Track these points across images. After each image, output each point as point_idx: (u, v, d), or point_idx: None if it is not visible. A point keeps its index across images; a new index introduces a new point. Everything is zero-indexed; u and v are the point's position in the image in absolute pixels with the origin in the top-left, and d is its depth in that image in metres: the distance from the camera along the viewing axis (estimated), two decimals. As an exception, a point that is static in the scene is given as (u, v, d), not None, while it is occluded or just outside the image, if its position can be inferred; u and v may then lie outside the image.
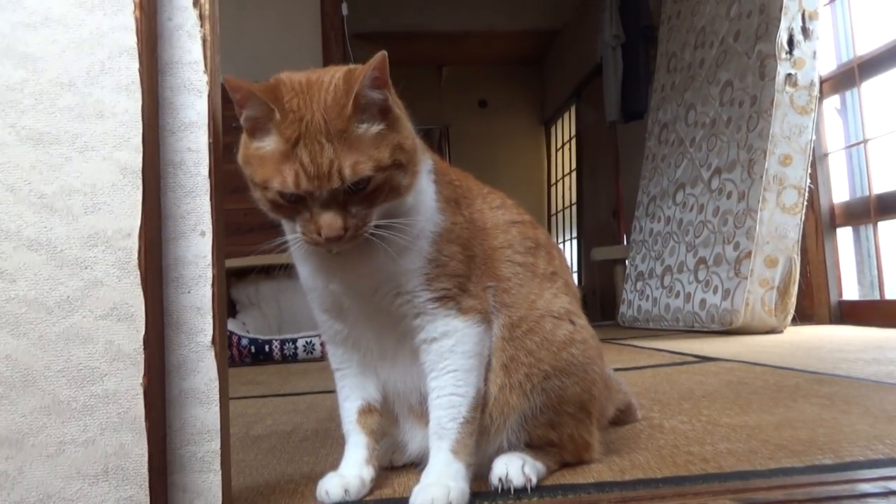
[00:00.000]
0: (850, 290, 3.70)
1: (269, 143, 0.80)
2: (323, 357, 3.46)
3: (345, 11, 4.26)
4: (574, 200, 7.34)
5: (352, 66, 0.86)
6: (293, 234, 0.85)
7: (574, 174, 7.28)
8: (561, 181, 7.93)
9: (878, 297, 3.48)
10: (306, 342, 3.46)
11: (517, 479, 0.91)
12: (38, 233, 0.70)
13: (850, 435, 1.15)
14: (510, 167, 7.86)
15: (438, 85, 7.71)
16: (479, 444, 0.94)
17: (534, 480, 0.92)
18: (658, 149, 4.41)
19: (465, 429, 0.90)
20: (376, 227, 0.83)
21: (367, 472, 0.95)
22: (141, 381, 0.70)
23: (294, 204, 0.81)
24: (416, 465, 1.02)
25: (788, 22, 3.28)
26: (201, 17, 0.79)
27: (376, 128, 0.83)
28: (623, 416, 1.29)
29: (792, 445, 1.10)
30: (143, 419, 0.70)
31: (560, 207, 7.98)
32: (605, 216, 6.32)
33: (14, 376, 0.69)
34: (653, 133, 4.51)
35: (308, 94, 0.81)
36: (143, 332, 0.71)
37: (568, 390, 0.96)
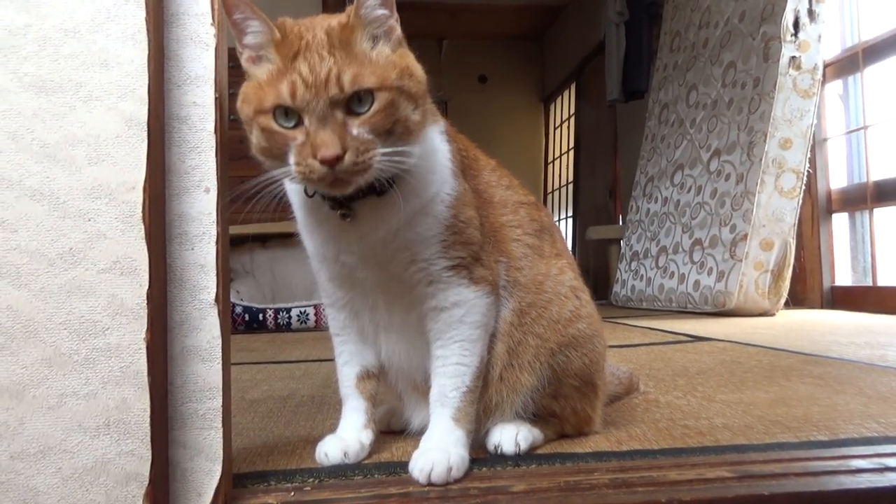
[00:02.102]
0: (843, 276, 3.72)
1: (267, 65, 0.78)
2: (318, 327, 3.47)
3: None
4: (571, 179, 7.32)
5: None
6: (283, 171, 0.78)
7: (572, 153, 7.26)
8: (558, 159, 7.91)
9: (870, 283, 3.50)
10: (300, 311, 3.46)
11: (508, 447, 0.93)
12: (41, 183, 0.69)
13: (844, 413, 1.16)
14: (508, 144, 7.82)
15: (438, 59, 7.63)
16: (486, 417, 0.95)
17: (523, 447, 0.93)
18: (658, 129, 4.39)
19: (468, 397, 0.90)
20: (385, 157, 0.77)
21: (366, 436, 0.96)
22: (143, 335, 0.70)
23: (290, 129, 0.76)
24: (418, 435, 1.03)
25: (795, 3, 3.25)
26: (209, -33, 0.77)
27: (382, 47, 0.80)
28: (624, 389, 1.29)
29: (787, 422, 1.11)
30: (145, 374, 0.69)
31: (557, 186, 7.96)
32: (602, 196, 6.31)
33: (15, 327, 0.68)
34: (653, 113, 4.49)
35: (311, 23, 0.80)
36: (146, 287, 0.70)
37: (574, 363, 0.97)
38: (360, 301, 0.95)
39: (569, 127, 7.47)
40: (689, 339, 2.47)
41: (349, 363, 0.99)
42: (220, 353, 0.76)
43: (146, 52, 0.71)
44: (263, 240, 3.90)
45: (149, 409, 0.70)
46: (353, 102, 0.76)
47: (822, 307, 3.70)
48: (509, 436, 0.94)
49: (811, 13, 3.25)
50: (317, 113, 0.75)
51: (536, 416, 0.99)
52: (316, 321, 3.45)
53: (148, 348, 0.70)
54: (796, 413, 1.17)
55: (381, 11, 0.80)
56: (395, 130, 0.79)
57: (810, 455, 0.92)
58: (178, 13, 0.77)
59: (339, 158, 0.74)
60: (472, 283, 0.89)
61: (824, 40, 3.30)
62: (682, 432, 1.06)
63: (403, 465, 0.88)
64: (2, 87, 0.69)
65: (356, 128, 0.76)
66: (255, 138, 0.80)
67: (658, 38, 4.54)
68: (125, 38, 0.71)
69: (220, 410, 0.76)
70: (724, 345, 2.23)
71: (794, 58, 3.24)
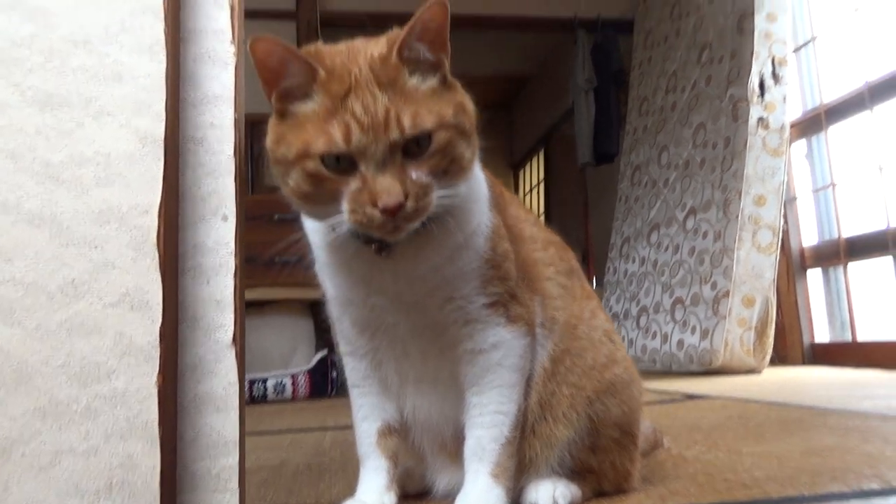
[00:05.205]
0: (821, 332, 3.74)
1: (312, 105, 0.70)
2: (294, 398, 3.31)
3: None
4: (542, 244, 7.35)
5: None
6: (333, 219, 0.71)
7: (542, 218, 7.33)
8: (528, 225, 7.96)
9: (849, 339, 3.51)
10: (276, 382, 3.30)
11: None
12: (41, 206, 0.61)
13: (883, 461, 1.10)
14: (478, 210, 7.86)
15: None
16: (519, 474, 0.86)
17: None
18: (631, 190, 4.46)
19: (507, 450, 0.82)
20: (440, 198, 0.71)
21: (389, 499, 0.86)
22: (155, 379, 0.60)
23: (341, 173, 0.69)
24: (444, 499, 0.92)
25: (759, 67, 3.38)
26: (231, -17, 0.72)
27: (432, 82, 0.74)
28: (650, 445, 1.21)
29: (829, 472, 1.04)
30: (156, 425, 0.60)
31: (527, 251, 7.98)
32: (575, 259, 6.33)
33: (4, 372, 0.58)
34: (625, 175, 4.57)
35: (351, 54, 0.73)
36: (159, 323, 0.61)
37: (612, 411, 0.89)
38: (386, 348, 0.86)
39: (538, 193, 7.57)
40: (683, 397, 2.41)
41: (369, 417, 0.89)
42: (237, 402, 0.67)
43: (164, 66, 0.65)
44: (236, 306, 3.75)
45: (158, 467, 0.60)
46: (411, 144, 0.70)
47: (803, 364, 3.69)
48: (546, 493, 0.86)
49: (775, 76, 3.39)
50: (375, 158, 0.69)
51: (573, 472, 0.90)
52: (293, 392, 3.29)
53: (160, 394, 0.60)
54: (834, 463, 1.11)
55: (424, 49, 0.73)
56: (450, 170, 0.73)
57: (872, 504, 0.86)
58: (196, 30, 0.71)
59: (400, 206, 0.68)
60: (510, 322, 0.82)
61: (789, 101, 3.42)
62: (725, 486, 0.98)
63: (436, 529, 0.78)
64: (2, 102, 0.61)
65: (414, 171, 0.71)
66: (295, 182, 0.72)
67: (626, 103, 4.67)
68: (141, 51, 0.65)
69: (237, 469, 0.66)
70: (722, 402, 2.17)
71: (761, 118, 3.35)
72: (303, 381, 3.35)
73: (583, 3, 4.81)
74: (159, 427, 0.60)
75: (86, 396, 0.59)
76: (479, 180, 0.83)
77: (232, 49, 0.72)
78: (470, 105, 0.78)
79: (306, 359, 3.52)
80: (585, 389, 0.88)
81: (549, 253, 0.93)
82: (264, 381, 3.28)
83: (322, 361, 3.43)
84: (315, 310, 3.84)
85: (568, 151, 5.67)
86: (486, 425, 0.81)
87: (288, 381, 3.32)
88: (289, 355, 3.54)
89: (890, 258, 3.14)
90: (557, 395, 0.87)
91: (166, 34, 0.66)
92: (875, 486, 0.95)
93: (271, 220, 3.63)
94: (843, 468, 1.07)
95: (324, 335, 3.68)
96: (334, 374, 3.46)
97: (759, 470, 1.07)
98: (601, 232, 5.16)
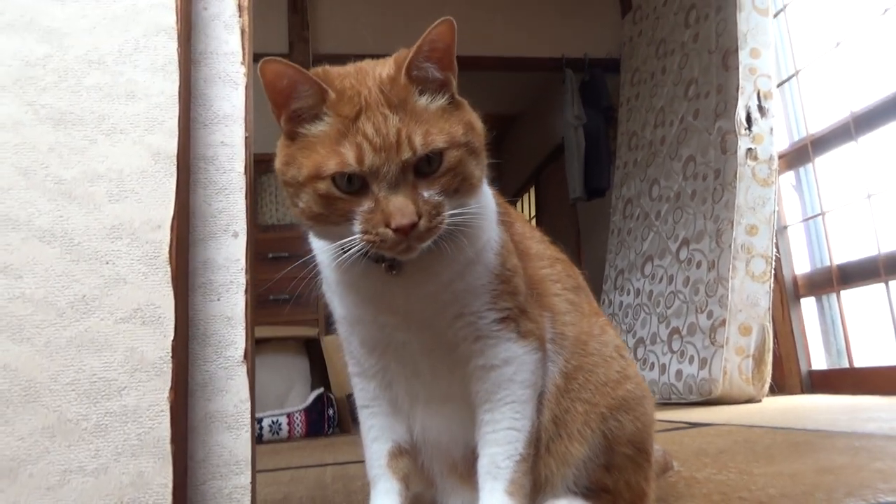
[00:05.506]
0: (817, 359, 3.73)
1: (322, 126, 0.71)
2: (290, 437, 3.25)
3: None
4: (535, 280, 7.35)
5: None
6: (346, 240, 0.71)
7: (534, 254, 7.34)
8: (520, 262, 7.98)
9: (846, 365, 3.51)
10: (272, 421, 3.25)
11: None
12: (53, 222, 0.61)
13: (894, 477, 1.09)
14: (470, 248, 7.88)
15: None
16: (534, 494, 0.84)
17: None
18: (623, 223, 4.50)
19: (521, 467, 0.80)
20: (451, 216, 0.72)
21: (401, 523, 0.83)
22: (167, 395, 0.59)
23: (353, 194, 0.70)
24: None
25: (746, 101, 3.45)
26: (240, 7, 0.73)
27: (441, 101, 0.74)
28: (660, 468, 1.19)
29: (844, 488, 1.03)
30: (167, 441, 0.59)
31: (520, 288, 7.98)
32: (568, 294, 6.33)
33: (12, 390, 0.57)
34: (617, 209, 4.61)
35: (360, 75, 0.73)
36: (170, 338, 0.60)
37: (626, 427, 0.88)
38: (396, 367, 0.85)
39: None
40: (686, 425, 2.38)
41: (379, 439, 0.87)
42: (249, 419, 0.66)
43: (177, 84, 0.66)
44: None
45: (171, 486, 0.58)
46: (423, 163, 0.71)
47: (802, 392, 3.67)
48: (560, 514, 0.84)
49: (761, 109, 3.46)
50: (388, 179, 0.69)
51: (588, 491, 0.88)
52: (289, 431, 3.24)
53: (172, 410, 0.59)
54: (849, 480, 1.09)
55: (432, 69, 0.74)
56: (461, 188, 0.74)
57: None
58: (206, 52, 0.73)
59: (413, 226, 0.69)
60: (521, 337, 0.82)
61: (776, 133, 3.49)
62: (740, 504, 0.97)
63: (451, 552, 0.76)
64: (15, 120, 0.62)
65: (426, 190, 0.71)
66: (306, 203, 0.72)
67: (615, 138, 4.74)
68: (155, 70, 0.66)
69: (249, 489, 0.65)
70: (727, 428, 2.15)
71: (750, 149, 3.40)
72: (299, 419, 3.30)
73: (570, 44, 4.92)
74: (171, 444, 0.59)
75: (95, 414, 0.58)
76: (487, 196, 0.84)
77: (243, 70, 0.73)
78: (478, 123, 0.79)
79: (302, 397, 3.48)
80: (599, 406, 0.87)
81: (556, 269, 0.93)
82: (260, 420, 3.23)
83: (318, 400, 3.38)
84: (311, 348, 3.81)
85: (558, 188, 5.73)
86: (500, 442, 0.80)
87: (284, 421, 3.27)
88: (285, 394, 3.50)
89: (882, 284, 3.17)
90: (571, 412, 0.86)
91: (179, 54, 0.67)
92: (892, 499, 0.94)
93: (265, 258, 3.64)
94: (857, 484, 1.05)
95: (319, 373, 3.65)
96: (331, 411, 3.41)
97: (773, 488, 1.06)
98: (594, 265, 5.18)
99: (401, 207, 0.68)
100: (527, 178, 7.42)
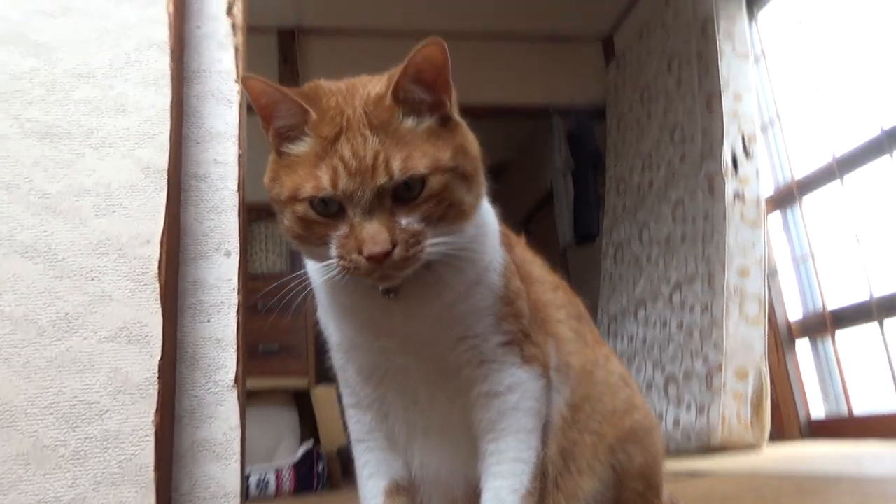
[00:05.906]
0: (815, 404, 3.68)
1: (303, 146, 0.70)
2: (279, 494, 3.12)
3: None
4: (526, 329, 7.28)
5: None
6: (326, 263, 0.70)
7: (525, 303, 7.30)
8: (512, 311, 7.92)
9: (845, 412, 3.46)
10: (259, 478, 3.13)
11: None
12: (35, 238, 0.58)
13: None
14: (461, 298, 7.83)
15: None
16: None
17: None
18: (614, 268, 4.49)
19: (527, 502, 0.76)
20: (435, 246, 0.69)
21: (399, 566, 0.78)
22: (152, 418, 0.56)
23: (330, 217, 0.68)
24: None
25: (730, 144, 3.51)
26: (234, 26, 0.73)
27: (429, 123, 0.71)
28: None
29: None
30: (151, 469, 0.54)
31: (512, 338, 7.90)
32: (561, 343, 6.26)
33: (-15, 414, 0.53)
34: (608, 254, 4.61)
35: (349, 93, 0.72)
36: (157, 358, 0.57)
37: (635, 460, 0.84)
38: (392, 396, 0.81)
39: (520, 278, 7.59)
40: (687, 475, 2.32)
41: (375, 475, 0.83)
42: (238, 449, 0.62)
43: (169, 98, 0.64)
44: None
45: (153, 518, 0.54)
46: (402, 189, 0.68)
47: (801, 438, 3.61)
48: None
49: (746, 152, 3.51)
50: (362, 204, 0.67)
51: (598, 529, 0.84)
52: (277, 488, 3.12)
53: (157, 435, 0.55)
54: (865, 517, 1.05)
55: (420, 90, 0.72)
56: (447, 215, 0.71)
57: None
58: (200, 70, 0.71)
59: (387, 254, 0.66)
60: (525, 362, 0.78)
61: (762, 175, 3.53)
62: (755, 541, 0.92)
63: None
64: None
65: (405, 217, 0.68)
66: (289, 222, 0.71)
67: (604, 184, 4.79)
68: (146, 84, 0.64)
69: (238, 524, 0.60)
70: (730, 477, 2.09)
71: (737, 192, 3.44)
72: (287, 475, 3.19)
73: (557, 91, 5.02)
74: (155, 472, 0.54)
75: (74, 439, 0.54)
76: (489, 214, 0.82)
77: (236, 88, 0.72)
78: (473, 147, 0.77)
79: (291, 451, 3.37)
80: (607, 437, 0.83)
81: (558, 295, 0.91)
82: (247, 477, 3.11)
83: (308, 454, 3.28)
84: (300, 400, 3.71)
85: (547, 235, 5.74)
86: (505, 475, 0.76)
87: (272, 476, 3.16)
88: (273, 448, 3.39)
89: (876, 326, 3.15)
90: (580, 445, 0.82)
91: (172, 68, 0.65)
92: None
93: (255, 309, 3.58)
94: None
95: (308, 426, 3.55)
96: (320, 467, 3.30)
97: (787, 528, 1.02)
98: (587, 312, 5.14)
99: (373, 235, 0.66)
100: (516, 226, 7.45)
